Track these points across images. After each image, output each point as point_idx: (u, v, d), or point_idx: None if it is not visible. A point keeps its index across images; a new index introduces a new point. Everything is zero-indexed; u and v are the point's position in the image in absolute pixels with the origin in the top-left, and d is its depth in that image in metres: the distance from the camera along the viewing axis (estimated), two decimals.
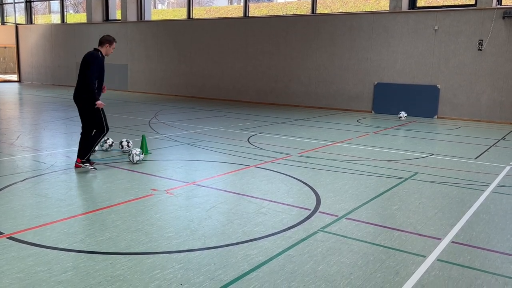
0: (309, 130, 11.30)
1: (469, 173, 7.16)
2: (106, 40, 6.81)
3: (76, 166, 6.78)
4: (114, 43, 6.91)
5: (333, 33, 16.45)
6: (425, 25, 14.70)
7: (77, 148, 6.90)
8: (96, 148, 7.36)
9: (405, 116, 13.85)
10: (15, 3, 29.11)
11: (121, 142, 8.04)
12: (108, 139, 8.09)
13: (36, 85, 25.60)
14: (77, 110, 6.94)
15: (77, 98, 6.79)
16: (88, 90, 6.62)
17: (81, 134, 6.93)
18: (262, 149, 8.66)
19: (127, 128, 10.66)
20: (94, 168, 6.73)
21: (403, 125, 12.69)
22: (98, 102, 6.66)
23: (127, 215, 4.85)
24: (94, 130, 6.84)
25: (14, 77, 29.93)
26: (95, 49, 6.84)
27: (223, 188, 5.98)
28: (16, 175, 6.35)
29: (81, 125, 6.97)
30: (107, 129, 6.92)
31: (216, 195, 5.71)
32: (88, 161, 6.82)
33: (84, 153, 6.76)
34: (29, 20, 28.23)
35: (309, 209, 5.18)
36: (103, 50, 6.84)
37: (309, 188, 6.05)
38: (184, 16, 21.39)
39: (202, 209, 5.09)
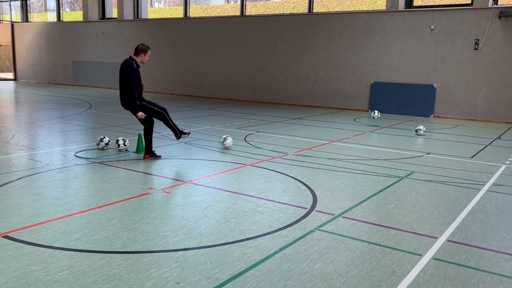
0: (306, 129, 11.30)
1: (465, 172, 7.19)
2: (141, 50, 7.19)
3: (145, 157, 7.43)
4: (149, 51, 7.31)
5: (330, 32, 16.46)
6: (422, 24, 14.73)
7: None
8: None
9: (377, 117, 13.51)
10: (10, 1, 28.97)
11: (117, 141, 8.02)
12: (104, 137, 8.08)
13: (32, 84, 25.50)
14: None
15: (125, 105, 7.28)
16: (130, 99, 7.10)
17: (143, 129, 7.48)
18: (259, 147, 8.66)
19: (124, 126, 10.64)
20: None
21: (400, 124, 12.72)
22: (139, 113, 7.18)
23: (124, 213, 4.84)
24: (161, 121, 7.49)
25: (10, 75, 29.81)
26: (130, 57, 7.18)
27: (220, 187, 5.97)
28: (12, 174, 6.32)
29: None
30: (164, 109, 7.49)
31: (213, 194, 5.70)
32: (183, 133, 7.73)
33: (176, 131, 7.63)
34: (25, 18, 28.11)
35: (306, 208, 5.19)
36: (138, 59, 7.22)
37: (305, 187, 6.05)
38: (181, 15, 21.34)
39: (198, 208, 5.09)
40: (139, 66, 7.21)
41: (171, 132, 7.82)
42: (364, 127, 12.08)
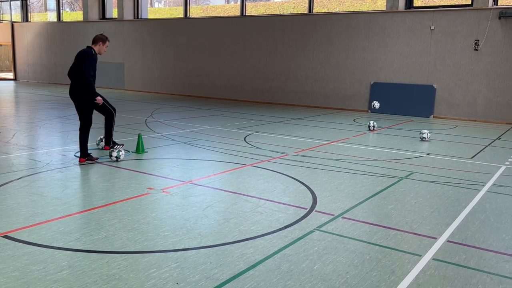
0: (306, 129, 11.30)
1: (465, 173, 7.19)
2: (99, 39, 7.04)
3: (105, 149, 7.49)
4: (107, 42, 7.14)
5: (330, 33, 16.46)
6: (422, 25, 14.73)
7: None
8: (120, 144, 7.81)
9: (378, 107, 12.84)
10: (10, 0, 28.98)
11: (110, 154, 7.34)
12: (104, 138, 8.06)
13: (32, 83, 25.51)
14: (74, 107, 7.08)
15: (74, 94, 6.98)
16: (85, 85, 6.81)
17: (80, 129, 7.12)
18: (259, 148, 8.66)
19: (124, 126, 10.63)
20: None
21: (400, 124, 12.72)
22: (98, 98, 6.97)
23: (123, 214, 4.84)
24: (105, 117, 7.37)
25: (10, 75, 29.81)
26: (88, 47, 7.02)
27: (220, 187, 5.97)
28: (12, 174, 6.32)
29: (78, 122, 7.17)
30: (115, 110, 7.46)
31: (213, 194, 5.70)
32: (114, 144, 7.49)
33: (108, 140, 7.44)
34: (25, 18, 28.11)
35: (306, 208, 5.19)
36: (96, 48, 7.05)
37: (305, 187, 6.05)
38: (181, 15, 21.35)
39: (198, 208, 5.09)
40: (96, 55, 7.00)
41: (109, 138, 7.54)
42: (364, 127, 12.07)
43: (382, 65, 15.53)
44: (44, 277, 3.43)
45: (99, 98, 6.97)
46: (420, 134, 10.11)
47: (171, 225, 4.57)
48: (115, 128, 7.73)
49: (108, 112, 7.37)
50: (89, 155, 7.16)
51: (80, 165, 6.93)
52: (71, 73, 7.01)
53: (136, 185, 5.95)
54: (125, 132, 9.89)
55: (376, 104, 12.87)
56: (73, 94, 7.00)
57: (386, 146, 9.34)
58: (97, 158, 7.24)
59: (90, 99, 6.94)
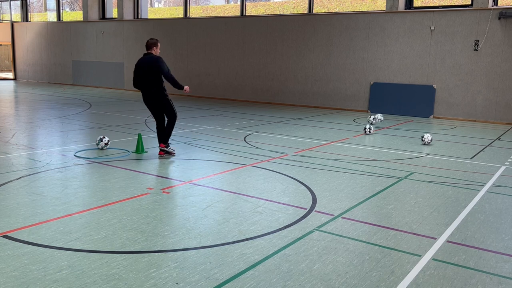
0: (306, 129, 11.30)
1: (465, 173, 7.19)
2: (153, 44, 7.66)
3: (160, 154, 7.64)
4: (159, 44, 7.83)
5: (330, 33, 16.46)
6: (422, 25, 14.74)
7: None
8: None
9: (378, 120, 12.14)
10: (10, 0, 28.97)
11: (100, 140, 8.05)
12: (104, 137, 8.08)
13: (32, 83, 25.50)
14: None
15: (153, 97, 7.60)
16: (172, 80, 7.50)
17: (157, 128, 7.76)
18: (259, 148, 8.66)
19: (123, 126, 10.64)
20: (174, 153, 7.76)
21: (400, 124, 12.72)
22: (186, 86, 7.69)
23: (123, 213, 4.84)
24: (167, 120, 7.70)
25: (10, 75, 29.80)
26: (148, 53, 7.62)
27: (219, 187, 5.97)
28: (11, 173, 6.32)
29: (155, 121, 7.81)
30: (176, 115, 7.78)
31: (212, 194, 5.70)
32: (169, 152, 7.72)
33: (166, 139, 7.68)
34: (25, 18, 28.11)
35: (305, 208, 5.19)
36: (154, 52, 7.67)
37: (305, 187, 6.05)
38: (181, 15, 21.35)
39: (198, 208, 5.09)
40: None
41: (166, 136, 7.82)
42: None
43: (382, 65, 15.54)
44: (43, 277, 3.43)
45: (187, 86, 7.67)
46: (423, 137, 9.52)
47: (170, 225, 4.58)
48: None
49: (173, 114, 7.67)
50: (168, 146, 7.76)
51: (160, 150, 7.60)
52: (143, 82, 7.56)
53: (135, 185, 5.95)
54: (125, 132, 9.89)
55: (378, 116, 12.13)
56: (152, 99, 7.59)
57: (385, 146, 9.34)
58: (174, 153, 7.75)
59: (165, 99, 7.57)
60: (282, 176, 6.63)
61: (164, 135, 7.68)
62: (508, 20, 13.46)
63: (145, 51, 7.74)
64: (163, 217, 4.80)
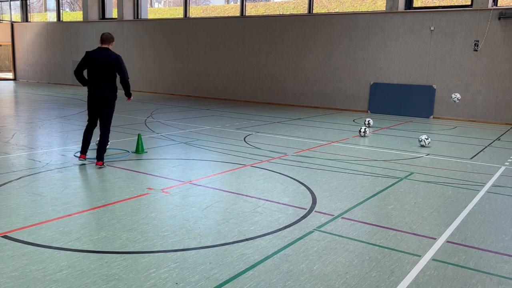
0: (305, 130, 11.31)
1: (465, 173, 7.19)
2: (111, 38, 7.00)
3: (98, 164, 6.84)
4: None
5: (330, 33, 16.46)
6: (421, 25, 14.74)
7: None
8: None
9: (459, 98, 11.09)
10: (10, 0, 28.97)
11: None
12: None
13: (32, 83, 25.50)
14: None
15: (108, 97, 6.83)
16: (127, 86, 6.97)
17: (86, 130, 7.02)
18: (258, 148, 8.66)
19: (123, 127, 10.64)
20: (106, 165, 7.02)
21: (400, 125, 12.72)
22: (132, 97, 7.24)
23: (123, 214, 4.84)
24: (101, 132, 6.95)
25: (10, 75, 29.80)
26: (105, 47, 6.87)
27: (219, 187, 5.97)
28: (11, 174, 6.32)
29: (88, 124, 7.07)
30: (110, 130, 7.14)
31: (212, 194, 5.70)
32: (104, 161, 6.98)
33: (102, 156, 6.89)
34: (25, 18, 28.10)
35: (305, 209, 5.19)
36: (110, 47, 6.99)
37: (305, 188, 6.05)
38: (181, 15, 21.35)
39: (198, 208, 5.09)
40: None
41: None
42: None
43: (382, 66, 15.54)
44: (43, 277, 3.43)
45: (132, 97, 7.25)
46: (420, 138, 9.33)
47: (170, 225, 4.57)
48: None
49: (107, 128, 6.98)
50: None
51: (99, 168, 6.77)
52: (93, 77, 6.74)
53: (135, 185, 5.95)
54: (125, 132, 9.90)
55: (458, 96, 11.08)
56: (100, 98, 6.78)
57: (385, 146, 9.34)
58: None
59: (114, 104, 6.96)
60: (282, 176, 6.63)
61: (99, 152, 6.84)
62: (508, 21, 13.46)
63: (100, 45, 6.92)
64: (163, 217, 4.80)
